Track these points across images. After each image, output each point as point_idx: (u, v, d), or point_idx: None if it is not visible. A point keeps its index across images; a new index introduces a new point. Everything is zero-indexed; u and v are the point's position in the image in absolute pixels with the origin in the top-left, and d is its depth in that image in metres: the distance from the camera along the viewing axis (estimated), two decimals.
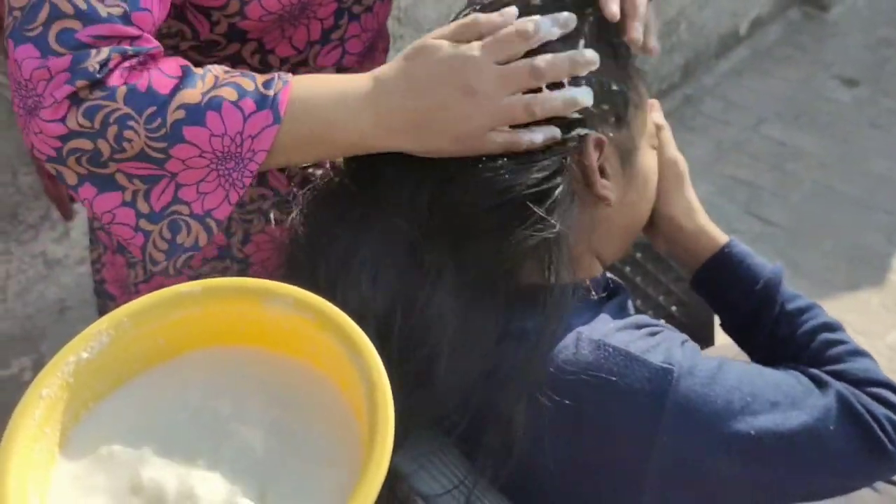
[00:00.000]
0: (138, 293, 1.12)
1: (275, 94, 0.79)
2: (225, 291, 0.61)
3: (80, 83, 0.73)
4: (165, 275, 0.94)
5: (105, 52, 0.74)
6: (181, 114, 0.76)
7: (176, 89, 0.77)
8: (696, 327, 1.37)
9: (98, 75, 0.74)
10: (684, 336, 0.85)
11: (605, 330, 0.82)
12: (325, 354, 0.59)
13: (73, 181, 0.78)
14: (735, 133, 2.98)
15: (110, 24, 0.75)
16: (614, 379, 0.78)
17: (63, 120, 0.74)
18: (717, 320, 1.32)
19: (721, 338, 1.35)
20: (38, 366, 1.82)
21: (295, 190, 0.93)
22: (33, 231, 1.70)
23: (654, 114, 0.97)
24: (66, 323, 1.82)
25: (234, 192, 0.81)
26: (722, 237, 0.98)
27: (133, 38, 0.77)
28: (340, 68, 1.03)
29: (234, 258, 1.12)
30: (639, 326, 0.84)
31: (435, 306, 0.80)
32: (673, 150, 0.99)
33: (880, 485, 1.04)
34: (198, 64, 0.96)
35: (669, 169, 0.97)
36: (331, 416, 0.58)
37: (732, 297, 0.97)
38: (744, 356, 1.01)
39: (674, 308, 1.38)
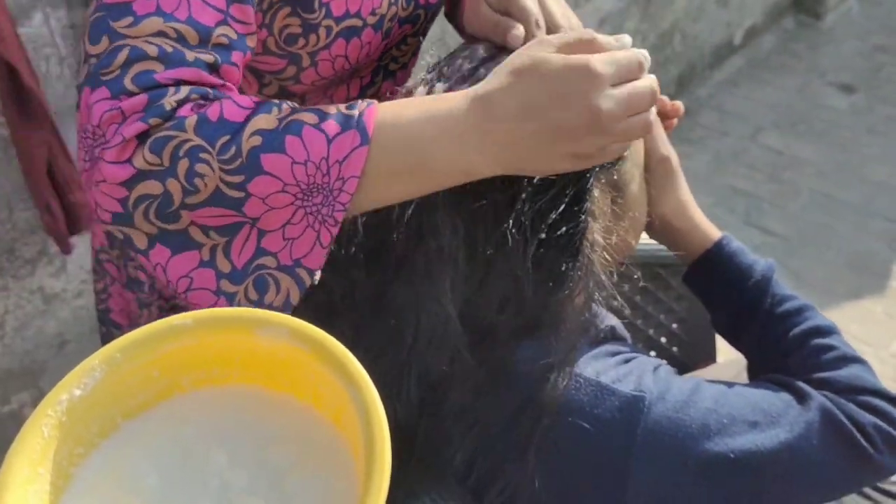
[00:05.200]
0: None
1: (360, 114, 0.70)
2: (217, 321, 0.59)
3: (153, 120, 0.66)
4: None
5: (184, 91, 0.67)
6: (257, 140, 0.68)
7: (250, 116, 0.69)
8: (698, 344, 1.36)
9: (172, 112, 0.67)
10: (658, 361, 0.84)
11: (578, 359, 0.80)
12: (321, 386, 0.58)
13: (142, 244, 0.69)
14: (732, 143, 2.98)
15: (196, 69, 0.68)
16: (586, 410, 0.77)
17: (130, 160, 0.66)
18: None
19: (722, 356, 1.34)
20: (37, 401, 1.80)
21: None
22: (30, 266, 1.69)
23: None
24: (66, 357, 1.82)
25: (325, 232, 0.71)
26: (715, 233, 0.96)
27: (216, 87, 0.70)
28: None
29: None
30: (612, 354, 0.83)
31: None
32: (663, 147, 0.93)
33: (872, 493, 1.03)
34: None
35: (659, 167, 0.93)
36: (327, 459, 0.57)
37: (723, 293, 0.96)
38: (745, 374, 1.00)
39: (675, 326, 1.37)
